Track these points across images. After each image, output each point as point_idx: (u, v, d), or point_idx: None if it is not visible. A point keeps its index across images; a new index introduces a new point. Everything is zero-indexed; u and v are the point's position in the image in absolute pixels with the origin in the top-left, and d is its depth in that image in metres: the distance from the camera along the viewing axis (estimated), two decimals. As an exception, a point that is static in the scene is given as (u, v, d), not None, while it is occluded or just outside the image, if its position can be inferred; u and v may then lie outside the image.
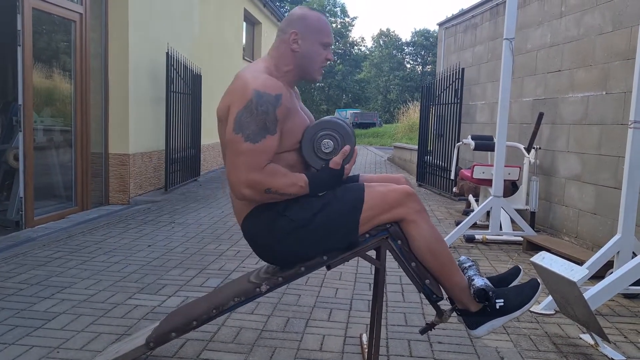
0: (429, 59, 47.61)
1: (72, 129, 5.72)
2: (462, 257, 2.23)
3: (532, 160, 5.46)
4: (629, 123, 3.14)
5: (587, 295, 2.76)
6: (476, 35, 7.93)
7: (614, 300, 3.33)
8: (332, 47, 2.14)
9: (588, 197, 4.78)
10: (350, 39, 50.23)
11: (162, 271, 3.71)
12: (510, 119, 6.01)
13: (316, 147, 1.97)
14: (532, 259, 2.66)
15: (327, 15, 47.81)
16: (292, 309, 3.06)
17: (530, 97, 5.96)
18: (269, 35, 15.16)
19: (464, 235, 4.86)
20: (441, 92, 8.13)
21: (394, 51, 48.77)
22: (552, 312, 3.10)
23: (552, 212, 5.40)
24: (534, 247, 4.57)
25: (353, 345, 2.58)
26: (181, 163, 7.79)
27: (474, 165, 5.47)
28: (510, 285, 2.14)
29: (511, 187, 5.57)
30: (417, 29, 55.01)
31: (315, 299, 3.24)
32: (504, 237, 4.92)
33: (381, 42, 49.97)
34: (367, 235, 2.02)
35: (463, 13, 8.61)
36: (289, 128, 1.94)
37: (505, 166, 4.92)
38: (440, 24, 9.66)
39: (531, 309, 3.13)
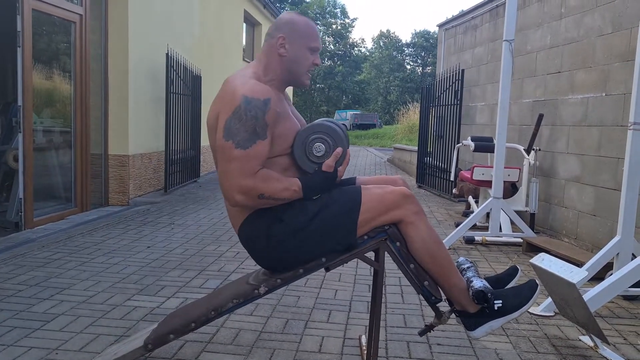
0: (429, 60, 47.64)
1: (72, 130, 5.72)
2: (461, 259, 2.23)
3: (532, 162, 5.45)
4: (629, 124, 3.14)
5: (586, 297, 2.76)
6: (476, 36, 7.94)
7: (613, 302, 3.32)
8: (321, 51, 2.13)
9: (588, 199, 4.78)
10: (351, 40, 50.27)
11: (161, 272, 3.71)
12: (510, 120, 6.00)
13: (308, 150, 1.97)
14: (531, 261, 2.66)
15: (327, 16, 47.87)
16: (292, 310, 3.05)
17: (530, 99, 5.96)
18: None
19: (463, 237, 4.86)
20: (441, 93, 8.13)
21: (394, 52, 48.80)
22: (552, 313, 3.10)
23: (552, 213, 5.39)
24: (533, 249, 4.57)
25: (352, 347, 2.58)
26: (181, 164, 7.79)
27: (474, 167, 5.47)
28: (509, 285, 2.14)
29: (511, 189, 5.57)
30: (417, 30, 55.04)
31: (314, 300, 3.23)
32: (504, 239, 4.92)
33: (381, 44, 50.00)
34: (366, 237, 2.02)
35: (463, 14, 8.62)
36: (280, 132, 1.93)
37: (505, 167, 4.92)
38: (440, 26, 9.66)
39: (531, 311, 3.13)
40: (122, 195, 6.32)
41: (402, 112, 25.16)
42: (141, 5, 6.57)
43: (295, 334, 2.71)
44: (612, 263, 3.30)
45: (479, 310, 2.04)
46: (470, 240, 4.86)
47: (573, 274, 2.41)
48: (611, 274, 3.17)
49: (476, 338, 2.09)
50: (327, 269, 2.08)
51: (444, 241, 4.60)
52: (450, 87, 7.62)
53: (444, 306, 2.16)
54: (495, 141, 4.89)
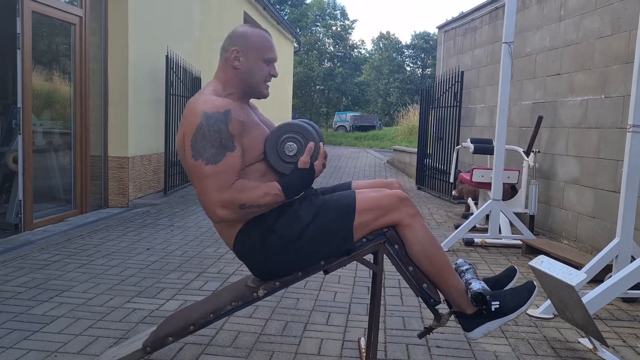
0: (428, 61, 47.64)
1: (72, 132, 5.72)
2: (459, 260, 2.23)
3: (532, 164, 5.46)
4: (628, 127, 3.14)
5: (585, 299, 2.76)
6: (475, 38, 7.95)
7: (612, 304, 3.32)
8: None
9: (587, 201, 4.78)
10: (350, 42, 50.22)
11: (160, 274, 3.70)
12: (510, 122, 6.01)
13: (280, 152, 1.96)
14: (530, 263, 2.65)
15: (327, 17, 47.88)
16: (291, 312, 3.05)
17: (529, 101, 5.96)
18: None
19: (463, 239, 4.86)
20: (441, 95, 8.14)
21: (394, 54, 48.80)
22: (551, 316, 3.10)
23: (551, 215, 5.40)
24: (533, 251, 4.57)
25: (351, 350, 2.58)
26: (180, 166, 7.78)
27: (473, 169, 5.48)
28: (507, 287, 2.14)
29: (510, 191, 5.57)
30: (417, 32, 55.07)
31: (313, 302, 3.23)
32: (503, 241, 4.92)
33: (381, 45, 50.01)
34: (364, 240, 2.02)
35: (463, 16, 8.63)
36: (250, 141, 1.93)
37: (504, 169, 4.92)
38: (440, 27, 9.67)
39: (530, 313, 3.13)
40: (121, 197, 6.32)
41: (401, 114, 25.15)
42: (141, 7, 6.57)
43: (295, 337, 2.71)
44: (612, 265, 3.30)
45: (476, 311, 2.05)
46: (469, 242, 4.87)
47: (572, 276, 2.41)
48: (610, 276, 3.17)
49: (474, 339, 2.09)
50: (326, 272, 2.08)
51: (443, 243, 4.64)
52: (450, 89, 7.63)
53: (443, 308, 2.16)
54: (494, 143, 4.89)
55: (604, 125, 4.60)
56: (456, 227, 5.14)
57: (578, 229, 4.90)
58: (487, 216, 4.95)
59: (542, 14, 5.79)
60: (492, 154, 5.04)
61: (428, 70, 47.10)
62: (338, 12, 49.61)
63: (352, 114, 38.52)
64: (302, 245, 1.96)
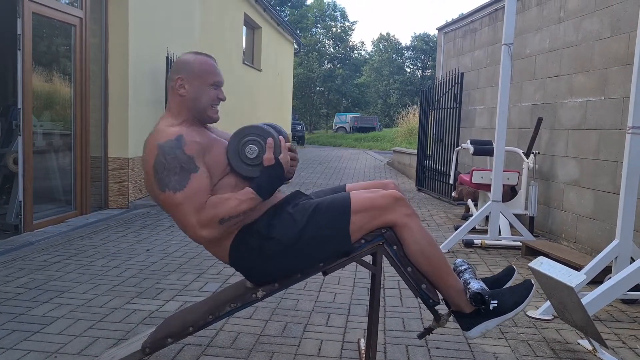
0: (428, 63, 47.68)
1: (72, 133, 5.72)
2: (458, 260, 2.23)
3: (531, 165, 5.46)
4: (627, 128, 3.15)
5: (585, 300, 2.76)
6: (475, 40, 7.95)
7: (612, 306, 3.32)
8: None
9: (587, 202, 4.79)
10: (350, 43, 50.28)
11: (160, 275, 3.71)
12: (509, 123, 6.01)
13: (243, 157, 1.96)
14: (530, 264, 2.66)
15: (327, 19, 47.91)
16: (290, 313, 3.06)
17: (529, 102, 5.97)
18: (269, 40, 15.20)
19: (462, 240, 4.86)
20: (440, 96, 8.15)
21: (394, 55, 48.84)
22: (550, 317, 3.10)
23: (551, 217, 5.40)
24: (532, 252, 4.57)
25: (351, 351, 2.58)
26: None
27: (473, 170, 5.48)
28: (505, 286, 2.15)
29: (510, 192, 5.58)
30: (417, 34, 55.11)
31: (313, 303, 3.24)
32: (503, 242, 4.92)
33: (381, 47, 50.05)
34: (363, 241, 2.02)
35: (462, 18, 8.64)
36: (212, 158, 1.95)
37: (504, 171, 4.93)
38: (440, 29, 9.68)
39: (529, 315, 3.13)
40: (121, 198, 6.33)
41: (401, 115, 25.17)
42: (141, 8, 6.58)
43: (294, 338, 2.71)
44: (611, 267, 3.30)
45: (475, 310, 2.05)
46: (469, 244, 4.87)
47: (571, 278, 2.41)
48: (610, 278, 3.17)
49: (472, 338, 2.10)
50: (325, 273, 2.09)
51: (443, 244, 4.65)
52: (450, 91, 7.64)
53: (442, 309, 2.16)
54: (494, 144, 4.89)
55: (603, 127, 4.60)
56: (456, 228, 5.14)
57: (578, 230, 4.91)
58: (487, 217, 4.95)
59: (542, 15, 5.80)
60: (492, 156, 5.05)
61: (428, 72, 47.14)
62: (338, 13, 49.66)
63: (352, 116, 38.56)
64: (300, 249, 1.96)
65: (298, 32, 33.58)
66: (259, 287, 2.06)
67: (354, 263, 2.09)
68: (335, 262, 2.04)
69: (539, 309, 3.17)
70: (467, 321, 2.07)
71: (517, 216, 5.03)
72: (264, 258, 1.98)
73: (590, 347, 2.67)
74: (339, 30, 48.95)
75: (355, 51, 51.17)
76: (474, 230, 5.28)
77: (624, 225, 3.20)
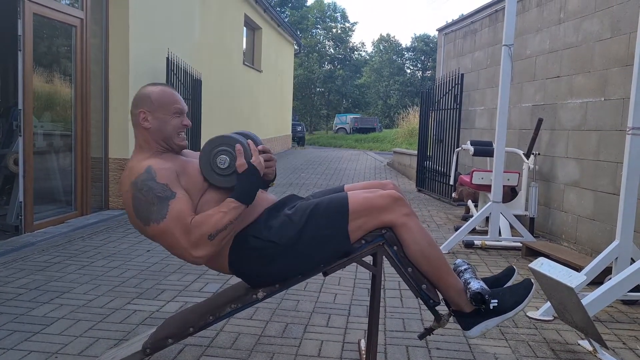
0: (428, 64, 47.70)
1: (72, 134, 5.73)
2: (458, 260, 2.23)
3: (531, 166, 5.46)
4: (627, 129, 3.15)
5: (585, 301, 2.76)
6: (475, 41, 7.96)
7: (612, 307, 3.32)
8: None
9: (587, 203, 4.79)
10: (351, 44, 50.30)
11: (160, 276, 3.71)
12: (510, 124, 6.02)
13: (216, 170, 1.96)
14: (530, 265, 2.66)
15: (328, 20, 47.92)
16: (291, 314, 3.06)
17: (529, 103, 5.97)
18: (269, 41, 15.21)
19: (463, 241, 4.86)
20: (441, 97, 8.15)
21: (394, 56, 48.86)
22: (551, 318, 3.10)
23: (551, 217, 5.40)
24: (533, 253, 4.57)
25: (351, 351, 2.58)
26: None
27: (473, 171, 5.48)
28: (505, 286, 2.15)
29: (510, 193, 5.58)
30: (417, 35, 55.18)
31: (314, 304, 3.24)
32: (503, 243, 4.92)
33: (381, 47, 50.07)
34: (363, 242, 2.02)
35: (463, 19, 8.64)
36: (188, 179, 1.96)
37: (504, 172, 4.93)
38: (440, 30, 9.69)
39: (530, 315, 3.13)
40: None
41: (402, 116, 25.18)
42: (141, 8, 6.59)
43: (295, 338, 2.72)
44: (611, 267, 3.30)
45: (475, 309, 2.06)
46: (469, 244, 4.87)
47: (572, 278, 2.41)
48: (610, 279, 3.17)
49: (472, 337, 2.10)
50: (325, 274, 2.09)
51: (443, 245, 4.65)
52: (450, 92, 7.64)
53: (442, 309, 2.16)
54: (494, 145, 4.90)
55: (603, 128, 4.61)
56: (456, 229, 5.15)
57: (578, 231, 4.91)
58: (487, 218, 4.95)
59: (542, 16, 5.80)
60: (492, 156, 5.05)
61: (428, 73, 47.15)
62: (338, 14, 49.69)
63: (352, 116, 38.56)
64: (300, 250, 1.96)
65: (298, 33, 33.59)
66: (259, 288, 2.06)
67: (355, 264, 2.09)
68: (335, 262, 2.04)
69: (540, 309, 3.17)
70: (467, 321, 2.07)
71: (518, 217, 5.03)
72: (264, 262, 1.98)
73: (590, 348, 2.67)
74: (339, 31, 48.97)
75: (355, 52, 51.21)
76: (474, 231, 5.29)
77: (624, 226, 3.20)
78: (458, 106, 7.35)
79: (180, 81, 7.57)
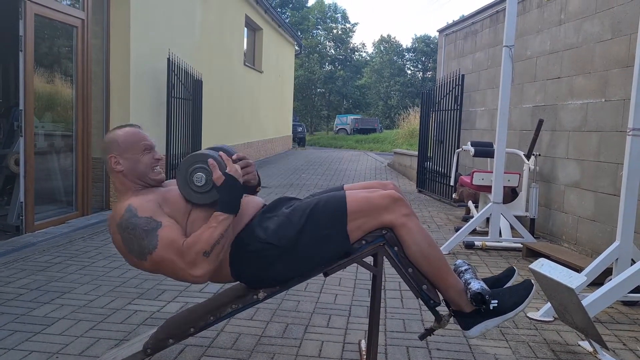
0: (429, 65, 47.70)
1: (73, 134, 5.73)
2: (459, 261, 2.24)
3: (532, 167, 5.46)
4: (628, 130, 3.15)
5: (585, 302, 2.76)
6: (476, 42, 7.96)
7: (612, 308, 3.33)
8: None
9: (587, 204, 4.79)
10: (351, 45, 50.30)
11: (161, 277, 3.71)
12: (510, 125, 6.02)
13: (195, 189, 1.97)
14: (530, 266, 2.66)
15: (328, 21, 47.94)
16: (291, 315, 3.06)
17: (530, 104, 5.98)
18: (270, 41, 15.21)
19: (463, 242, 4.86)
20: (441, 98, 8.15)
21: (395, 57, 48.86)
22: (551, 319, 3.10)
23: (552, 218, 5.40)
24: (533, 254, 4.57)
25: (352, 352, 2.58)
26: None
27: (474, 172, 5.48)
28: (505, 286, 2.15)
29: (511, 194, 5.58)
30: (418, 35, 55.19)
31: (314, 305, 3.24)
32: (504, 244, 4.92)
33: (382, 48, 50.07)
34: (364, 242, 2.02)
35: (463, 20, 8.65)
36: (171, 206, 1.97)
37: (504, 173, 4.93)
38: (441, 31, 9.69)
39: (530, 316, 3.13)
40: (122, 199, 6.32)
41: (402, 117, 25.17)
42: (142, 9, 6.60)
43: (295, 339, 2.72)
44: (612, 268, 3.30)
45: (475, 309, 2.06)
46: (470, 245, 4.87)
47: (572, 279, 2.41)
48: (610, 280, 3.18)
49: (471, 337, 2.10)
50: (326, 274, 2.09)
51: (444, 246, 4.65)
52: (451, 92, 7.64)
53: (443, 310, 2.16)
54: (495, 146, 4.90)
55: (604, 129, 4.61)
56: (456, 230, 5.15)
57: (578, 232, 4.91)
58: (488, 219, 4.96)
59: (543, 17, 5.80)
60: (493, 157, 5.05)
61: (429, 74, 47.15)
62: (339, 15, 49.70)
63: (353, 117, 38.56)
64: (300, 252, 1.96)
65: (299, 33, 33.62)
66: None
67: (355, 264, 2.09)
68: (336, 263, 2.04)
69: (540, 310, 3.17)
70: (467, 320, 2.07)
71: (518, 218, 5.03)
72: (264, 264, 1.98)
73: (590, 349, 2.67)
74: (339, 32, 48.98)
75: (356, 53, 51.20)
76: (474, 232, 5.28)
77: (625, 227, 3.20)
78: (459, 107, 7.35)
79: (181, 82, 7.58)
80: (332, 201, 2.01)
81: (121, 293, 3.32)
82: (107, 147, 2.06)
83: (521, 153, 5.67)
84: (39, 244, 4.54)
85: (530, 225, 5.27)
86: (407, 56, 50.17)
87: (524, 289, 2.06)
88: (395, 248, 2.03)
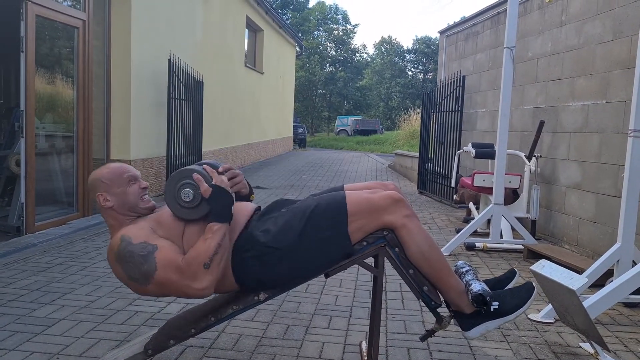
0: (430, 66, 47.72)
1: (74, 135, 5.73)
2: (459, 262, 2.23)
3: (533, 168, 5.46)
4: (629, 132, 3.15)
5: (586, 303, 2.76)
6: (477, 43, 7.96)
7: (614, 309, 3.32)
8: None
9: (588, 206, 4.78)
10: (352, 46, 50.34)
11: (162, 277, 3.71)
12: (511, 126, 6.02)
13: (185, 205, 1.98)
14: (531, 268, 2.66)
15: (329, 22, 48.00)
16: (292, 316, 3.06)
17: (531, 105, 5.97)
18: (271, 42, 15.23)
19: (464, 243, 4.86)
20: (442, 99, 8.15)
21: (396, 58, 48.90)
22: (552, 320, 3.10)
23: (553, 220, 5.40)
24: (534, 255, 4.57)
25: (353, 353, 2.58)
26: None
27: (475, 173, 5.48)
28: (506, 288, 2.15)
29: (512, 195, 5.57)
30: (419, 37, 55.20)
31: (315, 306, 3.24)
32: (505, 245, 4.92)
33: (383, 50, 50.10)
34: (365, 243, 2.02)
35: (464, 21, 8.65)
36: (165, 227, 1.98)
37: (506, 174, 4.92)
38: (442, 32, 9.69)
39: (531, 318, 3.13)
40: (123, 200, 6.32)
41: (403, 118, 25.16)
42: (144, 10, 6.61)
43: (296, 340, 2.72)
44: (613, 270, 3.30)
45: (475, 310, 2.05)
46: (471, 247, 4.87)
47: (573, 281, 2.41)
48: (611, 281, 3.17)
49: (471, 338, 2.10)
50: (327, 275, 2.09)
51: (444, 247, 4.64)
52: (452, 94, 7.64)
53: (444, 311, 2.16)
54: (496, 147, 4.90)
55: (605, 130, 4.61)
56: (457, 231, 5.14)
57: (579, 233, 4.90)
58: (489, 221, 4.95)
59: (544, 19, 5.80)
60: (494, 159, 5.05)
61: (429, 75, 47.17)
62: (340, 16, 49.75)
63: (353, 118, 38.58)
64: (301, 254, 1.96)
65: (300, 35, 33.64)
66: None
67: (356, 265, 2.09)
68: (337, 264, 2.04)
69: (541, 312, 3.17)
70: (468, 321, 2.07)
71: (519, 219, 5.03)
72: (267, 268, 1.97)
73: (592, 351, 2.67)
74: (340, 33, 49.02)
75: (357, 54, 51.24)
76: (475, 234, 5.28)
77: (626, 229, 3.20)
78: (459, 108, 7.35)
79: (182, 83, 7.59)
80: (332, 203, 2.01)
81: (122, 294, 3.32)
82: (93, 187, 2.07)
83: (522, 154, 5.66)
84: (39, 244, 4.54)
85: (532, 226, 5.26)
86: (408, 57, 50.21)
87: (526, 291, 2.06)
88: (396, 249, 2.03)
